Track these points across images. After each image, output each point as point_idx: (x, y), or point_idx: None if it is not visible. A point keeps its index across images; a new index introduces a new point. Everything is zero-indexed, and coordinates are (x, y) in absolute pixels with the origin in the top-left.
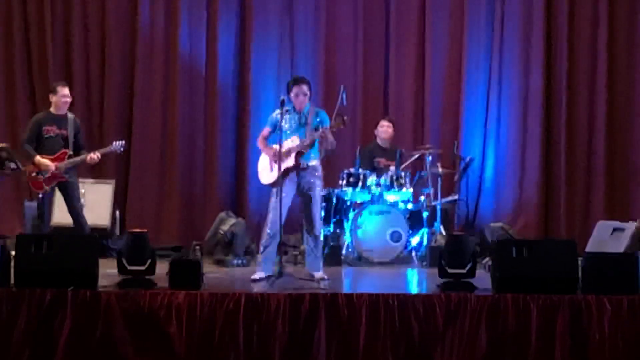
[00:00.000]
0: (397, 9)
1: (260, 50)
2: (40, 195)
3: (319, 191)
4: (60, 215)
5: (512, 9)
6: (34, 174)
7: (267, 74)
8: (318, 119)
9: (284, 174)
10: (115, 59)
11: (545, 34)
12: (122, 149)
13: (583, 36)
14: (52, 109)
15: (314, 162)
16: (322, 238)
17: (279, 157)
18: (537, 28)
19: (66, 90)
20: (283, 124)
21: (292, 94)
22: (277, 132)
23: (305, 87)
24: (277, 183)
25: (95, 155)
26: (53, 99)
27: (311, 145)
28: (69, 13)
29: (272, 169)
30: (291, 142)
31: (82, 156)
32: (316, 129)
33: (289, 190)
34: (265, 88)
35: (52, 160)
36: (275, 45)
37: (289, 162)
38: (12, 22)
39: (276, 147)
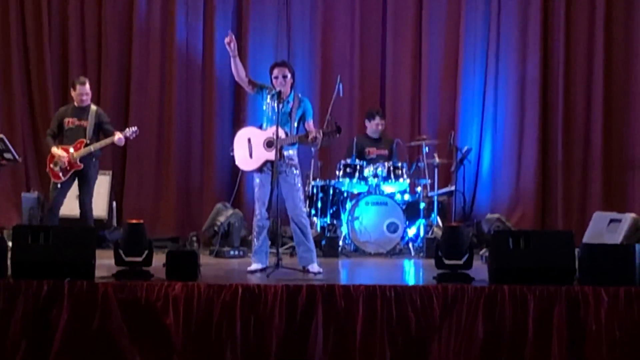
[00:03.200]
0: None
1: (257, 40)
2: (59, 185)
3: (296, 179)
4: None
5: None
6: (51, 165)
7: (264, 64)
8: (301, 111)
9: (264, 164)
10: (111, 50)
11: (542, 24)
12: (134, 135)
13: (580, 26)
14: (75, 102)
15: (291, 152)
16: (309, 227)
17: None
18: (534, 17)
19: (83, 89)
20: (265, 103)
21: (272, 76)
22: (261, 114)
23: (286, 70)
24: (258, 171)
25: (120, 136)
26: (72, 94)
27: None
28: (65, 4)
29: (251, 156)
30: (272, 133)
31: (102, 141)
32: (301, 119)
33: (267, 181)
34: (262, 78)
35: (69, 149)
36: (272, 35)
37: (272, 155)
38: (8, 14)
39: (263, 131)
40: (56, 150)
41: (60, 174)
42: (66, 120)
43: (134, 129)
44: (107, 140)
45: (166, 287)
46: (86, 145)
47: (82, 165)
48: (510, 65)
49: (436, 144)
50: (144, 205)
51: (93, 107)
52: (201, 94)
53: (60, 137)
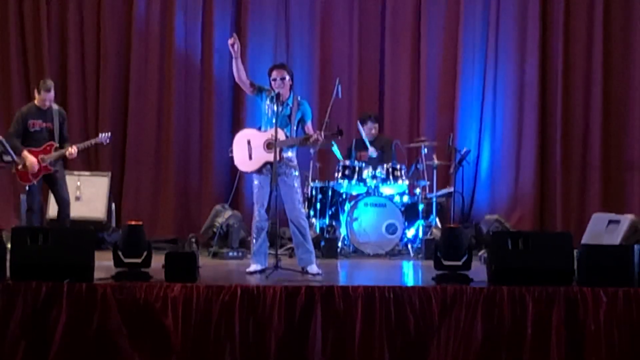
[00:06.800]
0: (393, 0)
1: (256, 42)
2: (27, 188)
3: (295, 180)
4: (56, 208)
5: (508, 0)
6: (20, 167)
7: (263, 66)
8: (300, 113)
9: (263, 166)
10: (110, 51)
11: (541, 27)
12: (108, 140)
13: (579, 29)
14: (36, 102)
15: (290, 153)
16: (308, 229)
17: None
18: (532, 20)
19: (48, 96)
20: (264, 105)
21: (271, 78)
22: (260, 115)
23: (284, 73)
24: (257, 172)
25: (73, 150)
26: (36, 96)
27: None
28: (64, 5)
29: (251, 157)
30: (270, 135)
31: (63, 150)
32: (300, 121)
33: (266, 183)
34: (261, 80)
35: (39, 152)
36: (271, 37)
37: (271, 157)
38: (7, 14)
39: (263, 132)
40: (27, 155)
41: (30, 177)
42: (31, 121)
43: (108, 133)
44: (63, 151)
45: (165, 288)
46: (56, 148)
47: (52, 169)
48: (509, 67)
49: (435, 145)
50: (143, 207)
51: (55, 107)
52: (200, 96)
53: (27, 139)
